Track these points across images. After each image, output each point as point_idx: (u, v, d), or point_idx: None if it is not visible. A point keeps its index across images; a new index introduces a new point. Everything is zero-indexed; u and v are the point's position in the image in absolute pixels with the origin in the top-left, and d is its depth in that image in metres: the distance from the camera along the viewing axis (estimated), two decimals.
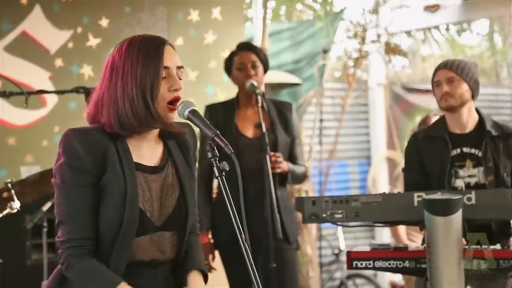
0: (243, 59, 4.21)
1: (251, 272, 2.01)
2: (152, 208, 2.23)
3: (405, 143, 8.13)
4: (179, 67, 2.24)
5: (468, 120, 3.69)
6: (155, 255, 2.25)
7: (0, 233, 4.13)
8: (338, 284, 7.69)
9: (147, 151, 2.28)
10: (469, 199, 3.21)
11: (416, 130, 5.36)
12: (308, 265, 6.80)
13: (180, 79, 2.24)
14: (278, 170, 4.10)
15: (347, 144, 7.88)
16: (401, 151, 7.97)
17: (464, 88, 3.62)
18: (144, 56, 2.17)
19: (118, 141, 2.21)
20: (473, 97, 3.67)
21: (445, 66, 3.64)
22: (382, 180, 8.01)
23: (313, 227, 7.05)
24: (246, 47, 4.33)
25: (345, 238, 7.65)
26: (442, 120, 3.76)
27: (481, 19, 9.67)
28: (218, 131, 2.10)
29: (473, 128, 3.69)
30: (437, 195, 3.17)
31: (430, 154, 3.73)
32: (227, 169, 2.10)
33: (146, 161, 2.26)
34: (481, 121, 3.69)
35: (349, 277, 7.69)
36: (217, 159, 2.09)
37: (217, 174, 2.09)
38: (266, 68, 4.28)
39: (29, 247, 4.22)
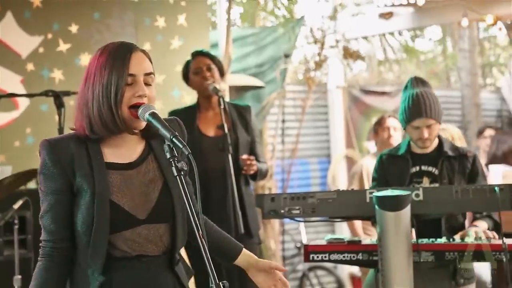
0: (198, 63, 4.29)
1: (208, 265, 2.01)
2: (133, 202, 2.20)
3: (363, 143, 8.28)
4: (147, 74, 2.20)
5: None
6: (144, 249, 2.22)
7: None
8: (301, 275, 7.74)
9: (125, 150, 2.25)
10: (417, 195, 3.24)
11: (377, 132, 5.43)
12: (272, 258, 6.82)
13: (149, 84, 2.21)
14: (251, 172, 4.16)
15: (308, 143, 7.92)
16: (359, 150, 8.04)
17: (438, 128, 3.68)
18: (111, 64, 2.16)
19: (90, 144, 2.21)
20: None
21: (426, 114, 3.63)
22: (341, 177, 8.05)
23: (276, 222, 7.08)
24: (200, 53, 4.38)
25: (307, 232, 7.69)
26: (406, 142, 3.80)
27: (432, 25, 9.78)
28: (176, 133, 2.09)
29: (433, 149, 3.74)
30: (387, 192, 3.21)
31: (392, 171, 3.77)
32: (186, 168, 2.08)
33: (124, 160, 2.24)
34: (440, 144, 3.75)
35: (310, 269, 7.75)
36: (176, 159, 2.08)
37: (175, 174, 2.08)
38: (222, 73, 4.33)
39: (1, 244, 4.15)
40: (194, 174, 2.09)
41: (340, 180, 7.94)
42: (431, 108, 3.64)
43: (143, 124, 2.18)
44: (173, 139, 2.06)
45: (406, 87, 3.78)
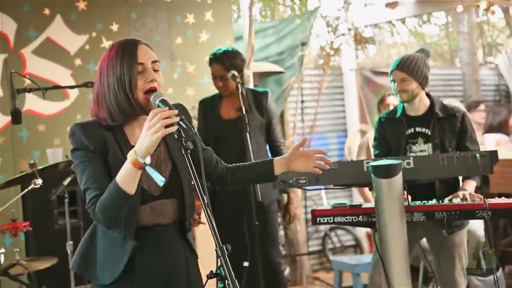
0: (213, 71, 4.23)
1: (212, 230, 2.01)
2: (148, 181, 2.20)
3: (375, 118, 8.15)
4: (154, 61, 2.22)
5: (420, 105, 3.72)
6: (157, 220, 2.26)
7: (32, 203, 4.19)
8: (323, 235, 7.73)
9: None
10: (408, 163, 3.23)
11: (380, 110, 5.37)
12: (296, 221, 6.80)
13: (156, 70, 2.22)
14: None
15: (326, 120, 7.84)
16: (371, 125, 7.96)
17: (414, 85, 3.64)
18: (121, 57, 2.18)
19: (115, 130, 2.22)
20: (423, 88, 3.69)
21: (398, 67, 3.65)
22: (357, 149, 7.99)
23: (299, 190, 7.06)
24: (214, 60, 4.23)
25: (327, 197, 7.67)
26: (401, 105, 3.78)
27: (432, 12, 9.62)
28: (182, 117, 2.09)
29: (425, 111, 3.72)
30: (381, 161, 3.19)
31: (391, 133, 3.77)
32: (191, 147, 2.07)
33: None
34: (431, 105, 3.71)
35: (331, 229, 7.72)
36: (183, 140, 2.06)
37: (183, 152, 2.06)
38: (240, 68, 4.21)
39: (56, 215, 4.25)
40: (199, 152, 2.10)
41: (355, 152, 7.87)
42: (405, 65, 3.63)
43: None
44: (180, 122, 2.06)
45: None
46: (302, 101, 7.09)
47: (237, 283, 1.97)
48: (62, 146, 4.57)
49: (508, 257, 5.83)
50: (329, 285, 6.77)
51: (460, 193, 3.38)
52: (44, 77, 4.77)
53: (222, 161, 2.55)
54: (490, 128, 6.40)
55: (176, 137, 2.07)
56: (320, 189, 4.36)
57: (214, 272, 2.01)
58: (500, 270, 5.06)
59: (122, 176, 2.06)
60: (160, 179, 2.02)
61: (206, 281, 2.04)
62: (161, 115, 1.99)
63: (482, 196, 3.33)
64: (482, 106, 6.65)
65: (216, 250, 2.00)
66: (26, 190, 3.52)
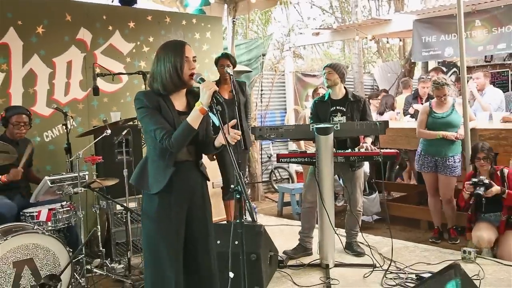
0: (222, 62, 4.14)
1: (234, 163, 1.98)
2: None
3: (303, 102, 8.14)
4: (194, 57, 2.18)
5: (339, 93, 3.72)
6: (187, 157, 2.21)
7: (102, 146, 4.06)
8: (270, 171, 7.78)
9: (179, 103, 2.21)
10: (337, 127, 3.26)
11: (313, 96, 5.36)
12: (255, 162, 6.84)
13: (194, 61, 2.19)
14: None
15: (275, 102, 7.84)
16: (300, 106, 7.99)
17: (335, 76, 3.64)
18: (175, 51, 2.13)
19: (165, 97, 2.16)
20: (342, 81, 3.71)
21: (328, 65, 3.67)
22: (291, 120, 8.02)
23: (257, 142, 7.07)
24: (224, 56, 4.18)
25: (273, 148, 7.71)
26: (328, 93, 3.78)
27: (339, 40, 9.62)
28: (217, 90, 2.06)
29: (342, 96, 3.72)
30: (321, 125, 3.21)
31: (320, 109, 3.76)
32: (220, 109, 2.07)
33: (179, 108, 2.20)
34: (346, 93, 3.73)
35: (275, 168, 7.77)
36: (214, 103, 2.05)
37: (214, 112, 2.05)
38: (234, 64, 4.21)
39: (116, 153, 4.13)
40: (225, 113, 2.07)
41: (291, 122, 7.91)
42: (332, 64, 3.68)
43: (194, 83, 2.15)
44: (215, 93, 2.05)
45: None
46: (262, 90, 7.04)
47: (248, 196, 1.96)
48: (119, 111, 4.41)
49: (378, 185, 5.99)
50: (273, 201, 6.85)
51: (364, 145, 3.45)
52: (108, 68, 4.58)
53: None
54: (385, 108, 6.35)
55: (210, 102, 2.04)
56: (283, 140, 4.36)
57: (234, 188, 1.99)
58: (377, 192, 5.23)
59: (191, 118, 2.05)
60: (216, 120, 1.99)
61: (229, 194, 2.02)
62: (210, 82, 2.04)
63: (375, 147, 3.41)
64: (379, 97, 6.67)
65: (235, 175, 1.98)
66: (100, 137, 3.39)
